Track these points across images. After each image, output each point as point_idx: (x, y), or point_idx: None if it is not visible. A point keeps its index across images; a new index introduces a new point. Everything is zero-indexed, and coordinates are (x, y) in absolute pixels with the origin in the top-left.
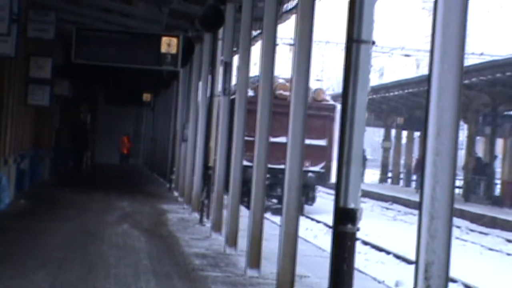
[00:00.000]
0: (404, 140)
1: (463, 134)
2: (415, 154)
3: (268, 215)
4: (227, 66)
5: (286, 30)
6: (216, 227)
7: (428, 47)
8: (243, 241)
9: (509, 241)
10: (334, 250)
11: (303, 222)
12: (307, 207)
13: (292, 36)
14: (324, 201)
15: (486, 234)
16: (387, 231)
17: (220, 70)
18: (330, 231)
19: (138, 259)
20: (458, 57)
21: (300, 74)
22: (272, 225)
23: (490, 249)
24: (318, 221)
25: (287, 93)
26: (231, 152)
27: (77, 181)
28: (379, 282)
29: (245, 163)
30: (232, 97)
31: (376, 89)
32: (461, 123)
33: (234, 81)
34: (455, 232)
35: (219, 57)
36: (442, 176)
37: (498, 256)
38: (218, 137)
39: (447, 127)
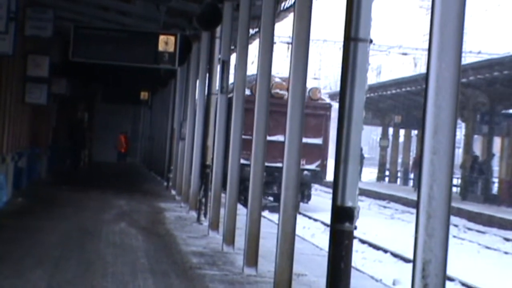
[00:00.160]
0: (401, 139)
1: (460, 133)
2: (413, 152)
3: (265, 213)
4: (225, 65)
5: (284, 28)
6: (214, 226)
7: (426, 46)
8: (240, 240)
9: (506, 239)
10: (331, 249)
11: (300, 220)
12: (302, 205)
13: (290, 34)
14: (321, 199)
15: (483, 232)
16: (385, 230)
17: (217, 68)
18: (327, 229)
19: (135, 258)
20: (455, 56)
21: (298, 72)
22: (270, 223)
23: (487, 248)
24: (315, 220)
25: (283, 92)
26: (229, 151)
27: (74, 179)
28: (376, 280)
29: (242, 161)
30: (230, 95)
31: (373, 88)
32: (459, 121)
33: (231, 79)
34: (453, 230)
35: (216, 56)
36: (440, 174)
37: (496, 254)
38: (215, 136)
39: (445, 126)
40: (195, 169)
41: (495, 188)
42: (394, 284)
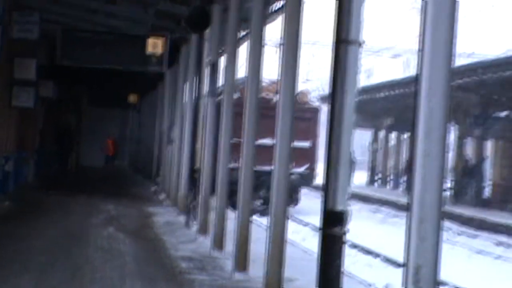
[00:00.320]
0: (393, 142)
1: (454, 135)
2: (405, 156)
3: (255, 216)
4: (214, 68)
5: (274, 30)
6: (203, 230)
7: (417, 47)
8: (230, 244)
9: (501, 243)
10: (322, 253)
11: (291, 224)
12: (290, 209)
13: (279, 37)
14: (311, 203)
15: (475, 236)
16: (375, 234)
17: (206, 71)
18: (318, 233)
19: (123, 263)
20: (447, 58)
21: (288, 75)
22: (260, 227)
23: (479, 252)
24: (306, 223)
25: (271, 95)
26: (218, 155)
27: (61, 184)
28: (368, 285)
29: (230, 165)
30: (219, 98)
31: (364, 90)
32: (451, 124)
33: (220, 82)
34: (444, 234)
35: (205, 59)
36: (431, 178)
37: (488, 258)
38: (204, 139)
39: (436, 128)
40: (184, 173)
41: (486, 191)
42: None
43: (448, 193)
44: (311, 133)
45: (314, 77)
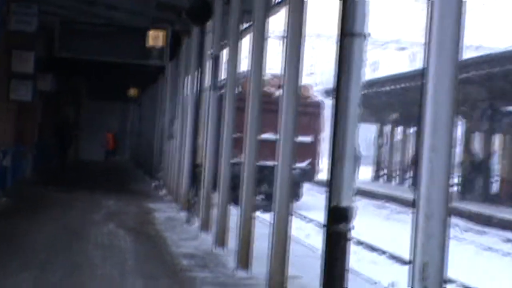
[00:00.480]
0: (399, 136)
1: (461, 130)
2: (411, 151)
3: (258, 212)
4: (216, 60)
5: (278, 23)
6: (205, 226)
7: (424, 40)
8: (232, 241)
9: (509, 240)
10: (326, 250)
11: (294, 220)
12: (295, 204)
13: (282, 29)
14: (311, 198)
15: (483, 233)
16: (381, 230)
17: (208, 64)
18: (322, 230)
19: (124, 259)
20: (454, 51)
21: (292, 69)
22: (263, 223)
23: (488, 249)
24: (310, 219)
25: (273, 90)
26: (220, 150)
27: (60, 178)
28: (373, 283)
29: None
30: (221, 92)
31: (370, 84)
32: (459, 118)
33: (223, 76)
34: (451, 231)
35: (207, 52)
36: (438, 173)
37: (496, 255)
38: (206, 134)
39: (443, 122)
40: (186, 168)
41: (494, 187)
42: (392, 286)
43: (455, 189)
44: (313, 128)
45: (318, 70)
